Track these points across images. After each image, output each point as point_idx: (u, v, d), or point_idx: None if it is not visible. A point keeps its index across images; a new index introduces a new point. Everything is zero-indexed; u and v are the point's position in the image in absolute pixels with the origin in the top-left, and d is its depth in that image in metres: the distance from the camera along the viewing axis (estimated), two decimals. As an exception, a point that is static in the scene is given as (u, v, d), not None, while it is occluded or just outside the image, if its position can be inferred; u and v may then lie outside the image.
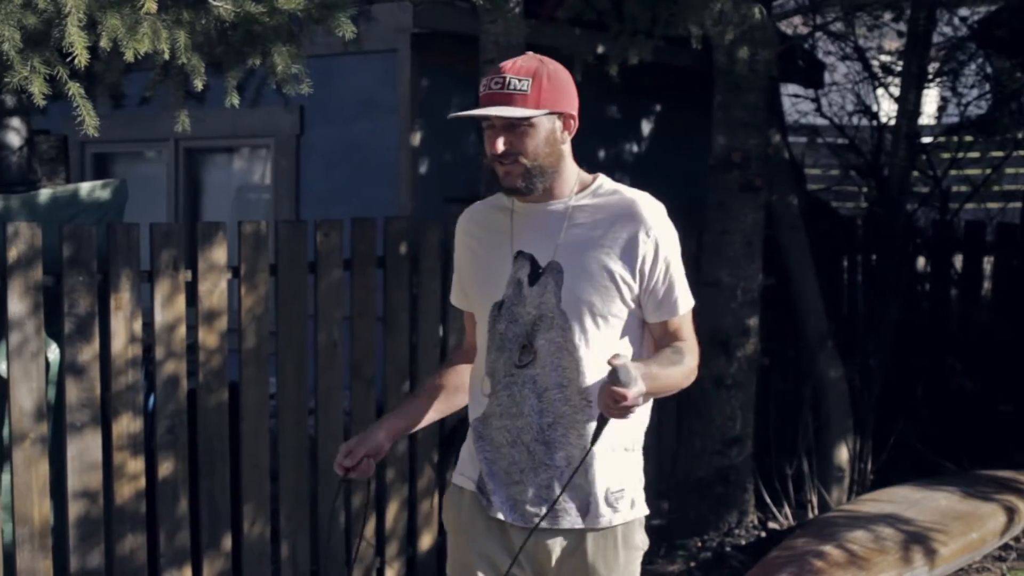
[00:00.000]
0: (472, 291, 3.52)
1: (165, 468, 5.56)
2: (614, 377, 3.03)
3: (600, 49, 7.39)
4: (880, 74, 10.98)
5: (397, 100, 8.20)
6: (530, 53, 3.37)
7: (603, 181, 3.44)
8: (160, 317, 5.51)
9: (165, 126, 6.42)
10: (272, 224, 6.14)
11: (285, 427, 5.95)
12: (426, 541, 6.45)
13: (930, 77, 10.00)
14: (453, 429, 6.48)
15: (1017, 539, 7.19)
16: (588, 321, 3.30)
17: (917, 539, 6.34)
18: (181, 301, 5.56)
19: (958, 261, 9.84)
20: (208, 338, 5.66)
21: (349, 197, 8.32)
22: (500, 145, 3.27)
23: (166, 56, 4.47)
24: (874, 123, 10.77)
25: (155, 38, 4.34)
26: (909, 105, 8.56)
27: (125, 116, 7.41)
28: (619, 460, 3.40)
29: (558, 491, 3.33)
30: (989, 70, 10.94)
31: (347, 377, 6.15)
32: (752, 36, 6.72)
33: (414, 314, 6.37)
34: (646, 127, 9.72)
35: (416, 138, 8.15)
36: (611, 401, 3.03)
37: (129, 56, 4.31)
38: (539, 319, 3.32)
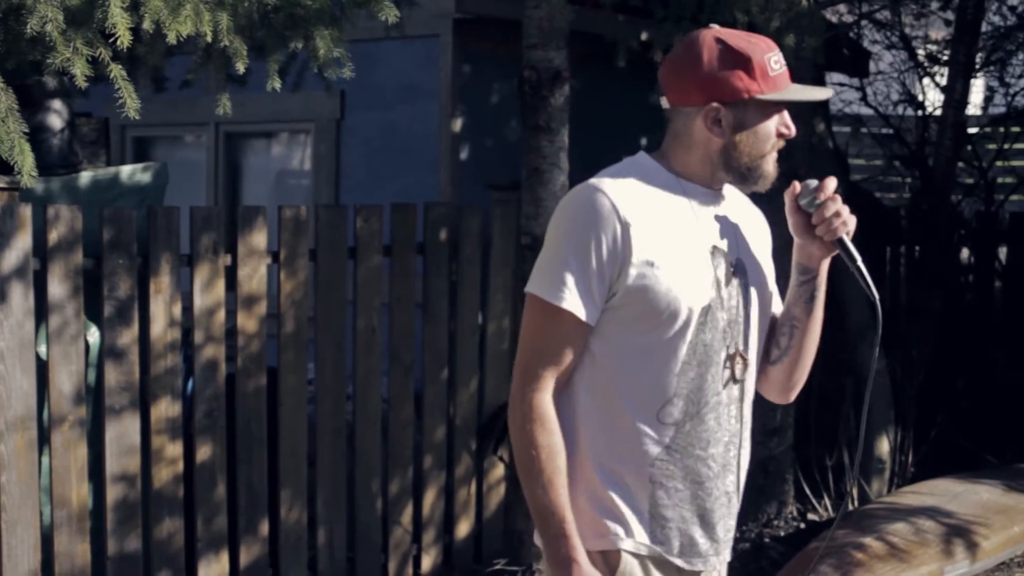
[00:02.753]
0: (660, 295, 2.79)
1: (203, 452, 5.56)
2: (808, 188, 2.93)
3: (644, 36, 7.33)
4: (926, 63, 10.88)
5: (438, 85, 8.17)
6: (715, 27, 2.93)
7: None
8: (199, 301, 5.51)
9: (205, 110, 6.42)
10: (312, 209, 6.12)
11: (323, 413, 5.94)
12: (463, 528, 6.42)
13: (977, 67, 9.90)
14: (491, 417, 6.46)
15: (1060, 534, 7.11)
16: (765, 325, 3.00)
17: (958, 532, 6.28)
18: (220, 285, 5.55)
19: (1002, 253, 9.74)
20: (247, 323, 5.64)
21: (389, 183, 8.30)
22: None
23: (208, 39, 4.46)
24: (919, 113, 10.67)
25: (197, 20, 4.33)
26: (956, 95, 8.49)
27: (165, 100, 7.40)
28: None
29: (732, 519, 2.98)
30: (1037, 60, 10.84)
31: (385, 363, 6.13)
32: (798, 23, 6.65)
33: (453, 301, 6.34)
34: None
35: (457, 124, 8.12)
36: (830, 209, 2.90)
37: (171, 38, 4.29)
38: (729, 325, 2.88)
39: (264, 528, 5.78)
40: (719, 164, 2.89)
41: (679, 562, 2.88)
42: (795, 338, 3.02)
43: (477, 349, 6.46)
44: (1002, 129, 10.94)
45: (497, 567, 6.22)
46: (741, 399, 2.94)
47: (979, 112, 11.86)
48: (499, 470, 6.52)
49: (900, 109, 11.09)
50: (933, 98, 10.64)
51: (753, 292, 2.95)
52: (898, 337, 8.27)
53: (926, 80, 10.91)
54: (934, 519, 6.38)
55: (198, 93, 6.31)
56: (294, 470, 5.84)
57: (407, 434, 6.23)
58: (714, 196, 2.93)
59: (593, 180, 2.87)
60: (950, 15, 9.67)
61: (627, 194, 2.82)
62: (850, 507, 7.31)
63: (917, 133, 10.51)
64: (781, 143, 2.91)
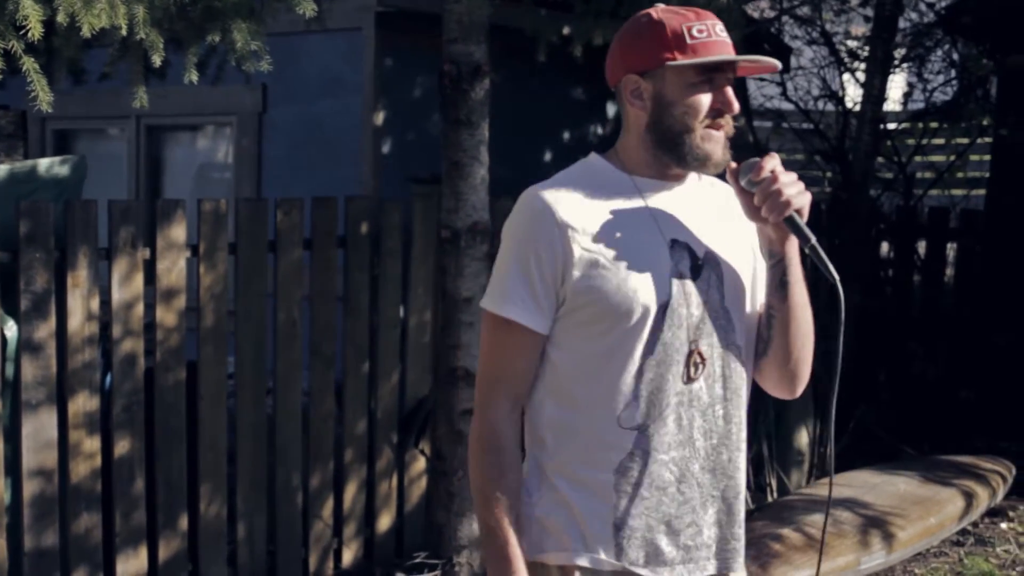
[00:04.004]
0: (610, 294, 2.70)
1: (121, 447, 5.52)
2: (747, 167, 2.72)
3: (565, 30, 7.36)
4: (846, 59, 10.99)
5: (360, 79, 8.16)
6: (660, 4, 2.83)
7: None
8: (118, 295, 5.47)
9: (126, 103, 6.36)
10: (232, 202, 6.09)
11: (243, 407, 5.92)
12: (384, 522, 6.43)
13: (896, 63, 10.01)
14: (412, 410, 6.46)
15: (975, 524, 7.21)
16: (746, 318, 2.86)
17: (875, 523, 6.35)
18: (139, 279, 5.52)
19: (921, 247, 9.85)
20: (166, 316, 5.62)
21: (311, 176, 8.29)
22: (736, 102, 2.74)
23: (124, 32, 4.43)
24: (840, 108, 10.78)
25: (112, 13, 4.30)
26: (874, 90, 8.57)
27: (86, 92, 7.35)
28: None
29: (734, 527, 2.87)
30: (955, 56, 10.97)
31: (306, 357, 6.11)
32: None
33: (374, 294, 6.34)
34: (611, 109, 9.70)
35: (379, 117, 8.11)
36: (769, 188, 2.70)
37: (85, 31, 4.26)
38: (702, 321, 2.76)
39: (183, 522, 5.75)
40: (652, 144, 2.77)
41: (644, 572, 2.78)
42: (774, 328, 2.87)
43: (398, 342, 6.46)
44: (920, 125, 11.08)
45: (418, 560, 6.22)
46: (726, 398, 2.81)
47: (898, 108, 11.99)
48: (420, 463, 6.52)
49: (820, 104, 11.20)
50: (853, 94, 10.76)
51: (731, 283, 2.81)
52: (817, 330, 8.34)
53: (846, 76, 11.02)
54: (852, 510, 6.44)
55: (119, 86, 6.26)
56: (214, 464, 5.82)
57: (328, 427, 6.22)
58: (672, 187, 2.81)
59: (534, 186, 2.80)
60: (870, 12, 9.76)
61: (567, 196, 2.74)
62: (768, 499, 7.38)
63: (837, 128, 10.62)
64: (726, 122, 2.75)
